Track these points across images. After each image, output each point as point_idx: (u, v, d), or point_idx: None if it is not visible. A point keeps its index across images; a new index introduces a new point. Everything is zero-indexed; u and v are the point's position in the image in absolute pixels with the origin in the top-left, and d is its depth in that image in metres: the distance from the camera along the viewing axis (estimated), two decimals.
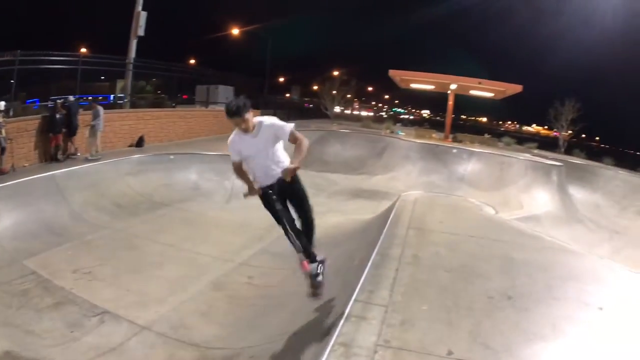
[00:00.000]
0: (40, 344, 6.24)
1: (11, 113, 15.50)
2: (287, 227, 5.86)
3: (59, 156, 14.87)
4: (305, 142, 5.75)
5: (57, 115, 14.77)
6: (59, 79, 18.76)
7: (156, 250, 9.83)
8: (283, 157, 5.98)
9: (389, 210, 10.11)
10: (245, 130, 5.74)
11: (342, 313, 4.94)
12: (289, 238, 5.91)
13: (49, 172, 12.69)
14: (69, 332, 6.61)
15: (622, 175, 21.92)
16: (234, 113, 5.57)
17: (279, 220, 5.91)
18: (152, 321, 6.98)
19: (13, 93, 16.09)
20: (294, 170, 5.50)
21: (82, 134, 15.70)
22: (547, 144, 35.12)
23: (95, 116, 15.74)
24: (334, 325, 4.80)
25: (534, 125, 78.71)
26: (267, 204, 5.91)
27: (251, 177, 6.01)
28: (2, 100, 13.63)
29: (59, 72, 17.73)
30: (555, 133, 42.67)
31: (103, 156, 15.18)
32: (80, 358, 6.00)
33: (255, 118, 5.86)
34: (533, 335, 4.73)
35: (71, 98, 15.97)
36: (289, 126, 5.88)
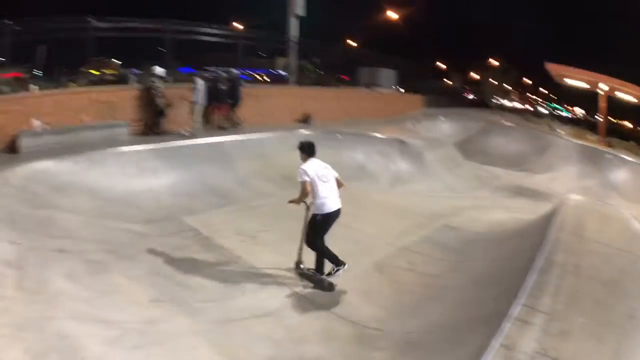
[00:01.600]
0: (193, 297, 6.60)
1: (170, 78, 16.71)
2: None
3: (223, 124, 15.63)
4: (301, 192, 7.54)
5: (222, 87, 15.49)
6: (215, 51, 19.65)
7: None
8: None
9: (552, 214, 9.80)
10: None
11: (508, 314, 4.95)
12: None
13: (215, 138, 13.49)
14: (226, 290, 6.95)
15: None
16: (305, 152, 8.06)
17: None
18: (312, 293, 7.19)
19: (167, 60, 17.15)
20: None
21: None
22: None
23: (195, 90, 14.80)
24: (497, 325, 4.80)
25: None
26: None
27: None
28: (157, 66, 14.56)
29: (214, 45, 18.66)
30: None
31: (267, 129, 15.73)
32: (234, 316, 6.27)
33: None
34: None
35: (234, 71, 16.67)
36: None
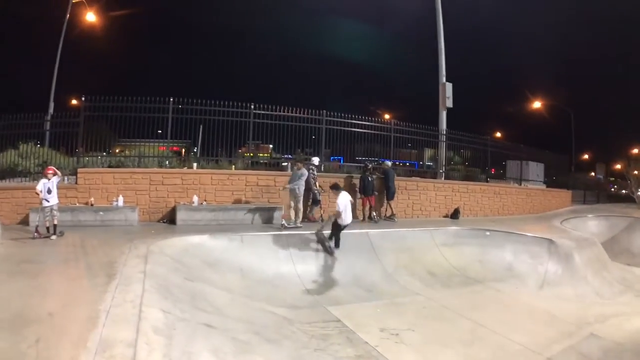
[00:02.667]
0: None
1: (322, 168, 17.28)
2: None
3: (373, 217, 15.77)
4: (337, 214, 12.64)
5: (370, 178, 15.72)
6: (365, 142, 20.08)
7: (466, 327, 9.66)
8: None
9: None
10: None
11: None
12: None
13: (362, 229, 13.63)
14: None
15: None
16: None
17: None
18: None
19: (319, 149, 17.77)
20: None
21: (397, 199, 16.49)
22: None
23: (295, 178, 14.36)
24: None
25: None
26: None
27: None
28: (307, 152, 15.05)
29: (364, 136, 19.04)
30: None
31: (416, 223, 15.79)
32: None
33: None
34: None
35: (387, 163, 16.89)
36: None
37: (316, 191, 15.02)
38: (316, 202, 14.97)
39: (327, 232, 12.84)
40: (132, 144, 19.27)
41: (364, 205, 16.09)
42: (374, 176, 16.32)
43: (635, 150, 45.76)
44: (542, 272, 13.92)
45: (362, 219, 16.03)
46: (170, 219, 13.80)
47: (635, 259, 19.97)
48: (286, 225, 13.84)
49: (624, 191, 43.30)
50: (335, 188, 13.00)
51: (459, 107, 23.77)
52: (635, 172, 39.29)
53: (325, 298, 10.24)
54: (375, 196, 16.14)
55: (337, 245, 12.52)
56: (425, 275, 12.62)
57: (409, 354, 8.12)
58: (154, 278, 8.15)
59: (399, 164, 23.03)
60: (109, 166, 15.74)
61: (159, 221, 13.92)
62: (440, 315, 10.11)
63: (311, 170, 15.00)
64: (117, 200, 13.92)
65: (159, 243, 10.24)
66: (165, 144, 16.90)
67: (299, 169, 14.34)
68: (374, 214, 16.10)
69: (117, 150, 20.51)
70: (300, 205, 14.25)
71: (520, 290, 13.01)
